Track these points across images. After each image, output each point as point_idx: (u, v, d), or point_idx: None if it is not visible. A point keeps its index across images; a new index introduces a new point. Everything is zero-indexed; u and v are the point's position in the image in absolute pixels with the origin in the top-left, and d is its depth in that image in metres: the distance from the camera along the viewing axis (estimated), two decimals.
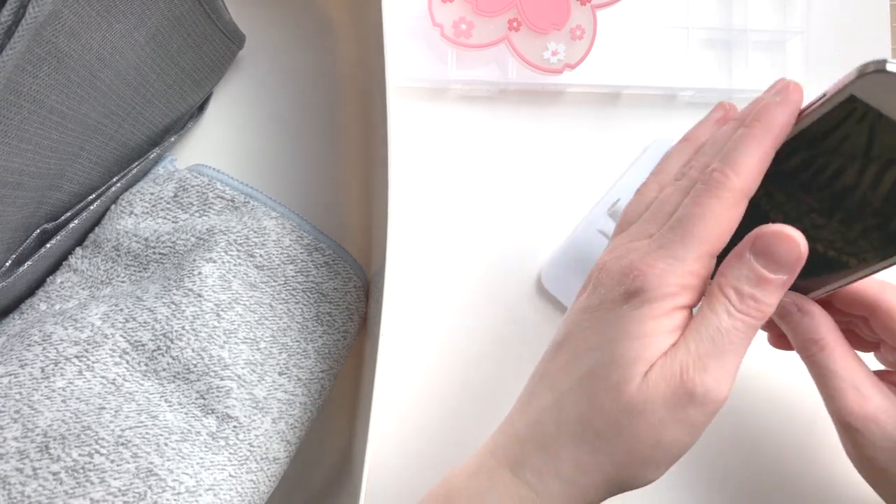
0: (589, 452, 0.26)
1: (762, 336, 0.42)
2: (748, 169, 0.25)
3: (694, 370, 0.25)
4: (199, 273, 0.35)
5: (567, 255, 0.43)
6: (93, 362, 0.33)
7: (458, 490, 0.29)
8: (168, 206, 0.38)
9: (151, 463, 0.31)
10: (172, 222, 0.38)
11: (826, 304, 0.31)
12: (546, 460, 0.27)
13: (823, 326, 0.29)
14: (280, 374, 0.35)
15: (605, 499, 0.28)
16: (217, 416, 0.34)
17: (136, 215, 0.38)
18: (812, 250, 0.26)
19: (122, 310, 0.34)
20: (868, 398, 0.29)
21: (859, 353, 0.31)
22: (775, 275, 0.25)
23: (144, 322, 0.34)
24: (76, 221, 0.36)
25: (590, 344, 0.27)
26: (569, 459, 0.27)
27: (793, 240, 0.25)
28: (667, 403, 0.25)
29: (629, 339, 0.26)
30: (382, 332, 0.32)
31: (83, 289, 0.36)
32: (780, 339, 0.34)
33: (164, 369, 0.34)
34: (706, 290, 0.27)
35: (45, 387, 0.32)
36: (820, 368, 0.30)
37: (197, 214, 0.38)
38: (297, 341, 0.36)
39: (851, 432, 0.30)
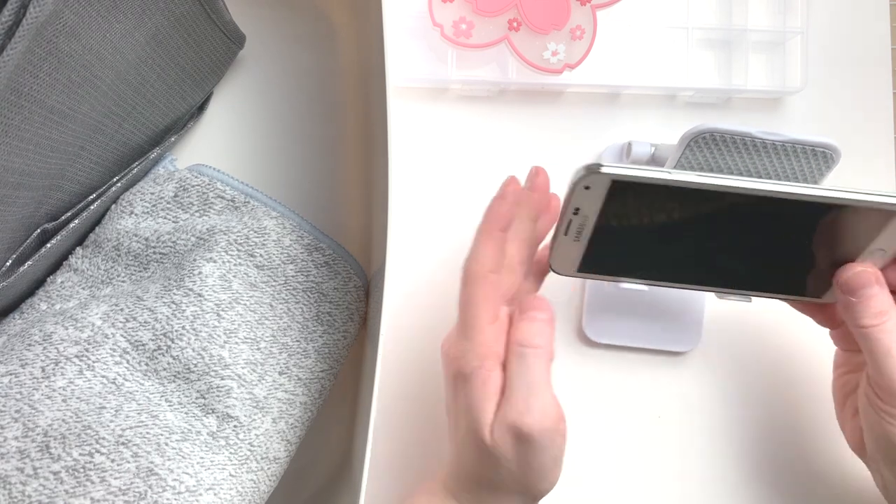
0: (493, 483, 0.33)
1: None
2: (483, 255, 0.34)
3: (517, 418, 0.31)
4: (200, 273, 0.35)
5: (595, 300, 0.44)
6: (93, 362, 0.33)
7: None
8: (168, 205, 0.38)
9: (152, 462, 0.31)
10: (173, 222, 0.38)
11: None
12: (475, 493, 0.34)
13: (889, 300, 0.34)
14: (280, 373, 0.36)
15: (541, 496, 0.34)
16: (217, 416, 0.34)
17: (136, 215, 0.38)
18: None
19: (122, 309, 0.34)
20: None
21: None
22: (541, 318, 0.33)
23: (145, 322, 0.34)
24: (76, 221, 0.36)
25: (454, 421, 0.35)
26: (487, 486, 0.34)
27: (543, 300, 0.34)
28: (516, 450, 0.32)
29: (470, 410, 0.33)
30: (382, 332, 0.32)
31: (83, 288, 0.36)
32: (844, 340, 0.38)
33: (164, 369, 0.34)
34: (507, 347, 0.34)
35: (46, 386, 0.32)
36: (878, 340, 0.34)
37: (197, 214, 0.38)
38: (298, 341, 0.36)
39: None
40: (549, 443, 0.32)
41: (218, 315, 0.34)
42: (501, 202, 0.35)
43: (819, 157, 0.33)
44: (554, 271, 0.36)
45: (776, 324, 0.45)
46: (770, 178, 0.33)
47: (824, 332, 0.39)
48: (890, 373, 0.33)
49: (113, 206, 0.38)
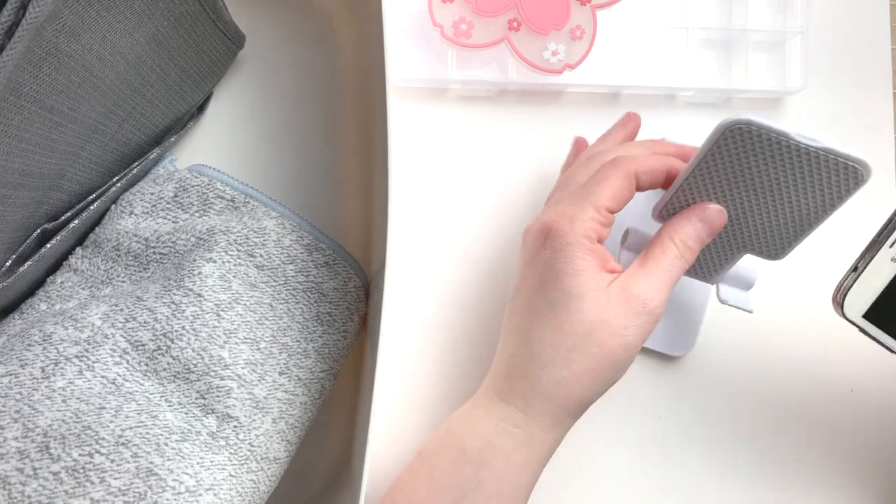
0: (565, 368, 0.33)
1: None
2: (636, 157, 0.35)
3: (650, 292, 0.33)
4: (200, 273, 0.35)
5: None
6: (93, 362, 0.33)
7: (458, 423, 0.35)
8: (168, 206, 0.38)
9: (151, 463, 0.31)
10: (172, 222, 0.38)
11: None
12: (529, 385, 0.33)
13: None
14: (280, 373, 0.36)
15: (582, 410, 0.34)
16: (217, 416, 0.34)
17: (136, 215, 0.38)
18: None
19: (122, 310, 0.34)
20: None
21: None
22: (707, 236, 0.34)
23: (145, 322, 0.34)
24: (76, 221, 0.36)
25: (533, 289, 0.34)
26: (548, 380, 0.33)
27: (723, 215, 0.34)
28: (626, 313, 0.32)
29: (572, 278, 0.33)
30: (382, 332, 0.32)
31: (83, 289, 0.36)
32: None
33: (164, 369, 0.34)
34: (654, 239, 0.35)
35: (46, 387, 0.32)
36: None
37: (197, 214, 0.38)
38: (298, 341, 0.36)
39: None
40: (650, 320, 0.33)
41: (218, 315, 0.34)
42: (631, 121, 0.39)
43: (850, 174, 0.31)
44: (845, 316, 0.32)
45: (776, 324, 0.45)
46: (794, 185, 0.32)
47: (823, 333, 0.39)
48: None
49: (113, 207, 0.38)
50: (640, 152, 0.36)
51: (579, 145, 0.42)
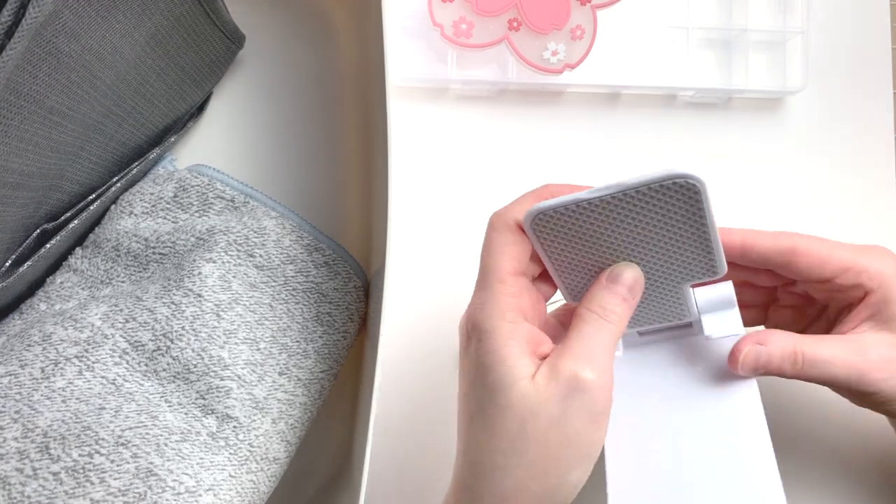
0: (506, 476, 0.28)
1: None
2: (516, 205, 0.31)
3: (578, 367, 0.28)
4: (199, 273, 0.35)
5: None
6: (93, 362, 0.33)
7: None
8: (168, 206, 0.38)
9: (151, 463, 0.31)
10: (172, 222, 0.38)
11: (742, 269, 0.34)
12: (473, 500, 0.29)
13: (785, 339, 0.32)
14: (280, 374, 0.35)
15: None
16: (217, 417, 0.34)
17: (136, 215, 0.38)
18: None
19: (122, 310, 0.34)
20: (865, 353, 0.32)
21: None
22: (628, 292, 0.31)
23: (144, 322, 0.34)
24: (76, 221, 0.36)
25: (464, 389, 0.31)
26: (491, 493, 0.29)
27: (634, 268, 0.31)
28: (558, 397, 0.28)
29: (494, 370, 0.29)
30: (382, 332, 0.32)
31: (83, 289, 0.36)
32: None
33: (164, 369, 0.34)
34: (572, 312, 0.31)
35: (45, 387, 0.32)
36: (814, 371, 0.32)
37: (197, 214, 0.38)
38: (297, 341, 0.36)
39: (867, 399, 0.33)
40: (597, 405, 0.28)
41: (217, 315, 0.34)
42: (561, 185, 0.32)
43: (683, 191, 0.28)
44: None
45: None
46: (648, 223, 0.29)
47: None
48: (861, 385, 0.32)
49: (112, 207, 0.38)
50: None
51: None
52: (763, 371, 0.32)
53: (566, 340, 0.30)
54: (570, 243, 0.31)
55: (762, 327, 0.37)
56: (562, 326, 0.35)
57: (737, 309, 0.33)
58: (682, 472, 0.32)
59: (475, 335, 0.30)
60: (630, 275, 0.31)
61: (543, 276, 0.33)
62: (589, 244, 0.31)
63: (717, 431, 0.32)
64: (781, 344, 0.32)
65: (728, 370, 0.33)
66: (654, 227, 0.30)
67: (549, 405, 0.28)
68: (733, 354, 0.32)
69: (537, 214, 0.30)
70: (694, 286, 0.33)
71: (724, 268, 0.31)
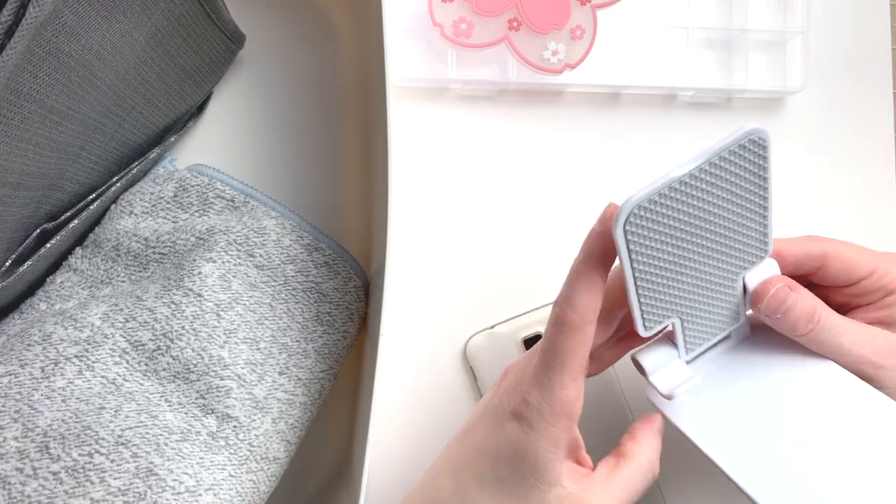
0: None
1: None
2: (581, 302, 0.29)
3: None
4: (199, 273, 0.35)
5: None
6: (93, 362, 0.33)
7: None
8: (168, 205, 0.38)
9: (151, 463, 0.31)
10: (172, 222, 0.38)
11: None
12: None
13: (809, 298, 0.32)
14: (280, 373, 0.35)
15: None
16: (217, 416, 0.34)
17: (136, 215, 0.38)
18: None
19: (122, 310, 0.34)
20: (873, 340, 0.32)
21: None
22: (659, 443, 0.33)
23: (144, 322, 0.34)
24: (76, 221, 0.36)
25: (488, 451, 0.31)
26: None
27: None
28: None
29: (532, 466, 0.30)
30: (382, 332, 0.32)
31: (83, 289, 0.36)
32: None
33: (164, 369, 0.34)
34: (624, 449, 0.32)
35: (45, 386, 0.32)
36: (825, 335, 0.32)
37: (197, 214, 0.38)
38: (297, 341, 0.36)
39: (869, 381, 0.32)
40: None
41: (217, 315, 0.34)
42: (600, 233, 0.29)
43: (755, 148, 0.28)
44: None
45: None
46: (725, 197, 0.29)
47: None
48: (853, 366, 0.32)
49: (112, 207, 0.38)
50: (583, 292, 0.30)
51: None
52: (779, 317, 0.32)
53: (612, 471, 0.31)
54: (659, 244, 0.28)
55: None
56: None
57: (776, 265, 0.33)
58: (818, 464, 0.30)
59: (521, 420, 0.30)
60: (660, 421, 0.33)
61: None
62: (677, 238, 0.28)
63: (820, 398, 0.32)
64: (807, 296, 0.32)
65: (797, 356, 0.33)
66: (731, 201, 0.29)
67: None
68: (763, 288, 0.32)
69: (633, 210, 0.26)
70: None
71: (772, 245, 0.31)
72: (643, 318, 0.30)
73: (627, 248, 0.28)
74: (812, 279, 0.34)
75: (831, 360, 0.32)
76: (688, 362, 0.33)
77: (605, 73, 0.45)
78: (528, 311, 0.43)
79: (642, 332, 0.31)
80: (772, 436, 0.31)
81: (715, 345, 0.34)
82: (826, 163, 0.47)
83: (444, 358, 0.43)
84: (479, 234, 0.44)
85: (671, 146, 0.46)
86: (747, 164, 0.28)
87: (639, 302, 0.30)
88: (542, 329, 0.43)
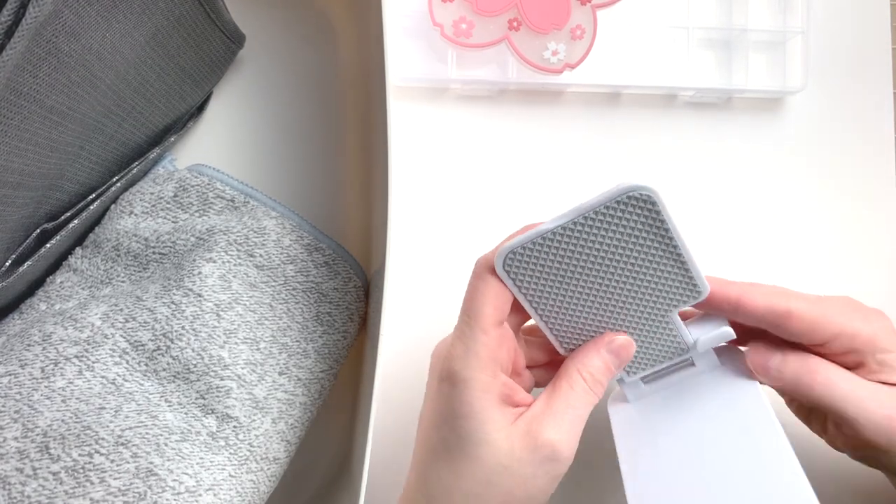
0: None
1: None
2: (496, 250, 0.31)
3: (556, 438, 0.29)
4: (199, 273, 0.35)
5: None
6: (93, 362, 0.33)
7: None
8: (168, 205, 0.38)
9: (151, 463, 0.31)
10: (172, 222, 0.38)
11: (739, 326, 0.33)
12: None
13: (814, 359, 0.32)
14: (280, 374, 0.35)
15: None
16: (217, 416, 0.34)
17: (136, 215, 0.38)
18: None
19: (122, 310, 0.34)
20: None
21: None
22: (616, 367, 0.32)
23: (144, 322, 0.34)
24: (76, 221, 0.36)
25: (432, 423, 0.31)
26: None
27: (632, 346, 0.32)
28: (532, 462, 0.29)
29: (467, 420, 0.30)
30: (382, 332, 0.32)
31: (83, 289, 0.36)
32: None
33: (164, 369, 0.34)
34: (559, 371, 0.32)
35: (45, 387, 0.32)
36: (824, 391, 0.32)
37: (197, 214, 0.38)
38: (297, 341, 0.36)
39: (846, 423, 0.32)
40: (559, 470, 0.30)
41: (217, 315, 0.34)
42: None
43: (641, 204, 0.28)
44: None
45: None
46: (616, 244, 0.29)
47: None
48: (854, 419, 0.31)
49: (112, 207, 0.38)
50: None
51: None
52: (777, 382, 0.32)
53: (552, 399, 0.31)
54: (547, 282, 0.30)
55: None
56: (533, 345, 0.35)
57: (727, 323, 0.33)
58: (704, 487, 0.31)
59: (450, 380, 0.30)
60: (628, 354, 0.32)
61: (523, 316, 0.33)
62: (566, 280, 0.30)
63: (734, 445, 0.32)
64: (803, 362, 0.32)
65: (732, 396, 0.33)
66: (624, 249, 0.29)
67: (521, 466, 0.29)
68: (760, 363, 0.32)
69: (507, 255, 0.30)
70: (683, 316, 0.33)
71: (707, 287, 0.31)
72: (559, 341, 0.33)
73: (513, 283, 0.30)
74: (776, 333, 0.33)
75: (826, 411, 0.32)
76: (645, 382, 0.35)
77: (605, 73, 0.45)
78: None
79: (561, 352, 0.33)
80: (675, 466, 0.32)
81: (666, 372, 0.34)
82: (826, 163, 0.47)
83: None
84: (479, 234, 0.44)
85: (671, 146, 0.46)
86: (635, 216, 0.28)
87: (547, 326, 0.32)
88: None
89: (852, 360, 0.32)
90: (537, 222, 0.31)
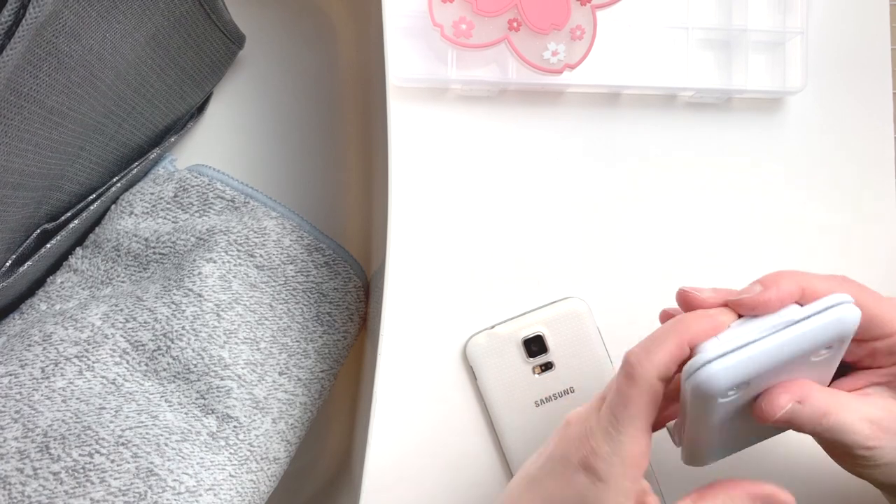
0: None
1: None
2: (660, 358, 0.30)
3: None
4: (200, 273, 0.35)
5: None
6: (93, 362, 0.33)
7: None
8: (168, 206, 0.38)
9: (152, 463, 0.31)
10: (172, 222, 0.38)
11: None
12: None
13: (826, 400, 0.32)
14: (280, 374, 0.35)
15: None
16: (217, 416, 0.34)
17: (136, 215, 0.38)
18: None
19: (122, 310, 0.34)
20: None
21: None
22: None
23: (145, 322, 0.34)
24: (76, 221, 0.36)
25: (556, 500, 0.31)
26: None
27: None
28: None
29: None
30: (382, 332, 0.32)
31: (83, 289, 0.36)
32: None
33: (164, 369, 0.34)
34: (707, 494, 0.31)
35: (46, 387, 0.32)
36: (836, 428, 0.31)
37: (197, 214, 0.38)
38: (298, 341, 0.36)
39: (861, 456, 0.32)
40: None
41: (218, 315, 0.34)
42: (704, 311, 0.31)
43: (843, 316, 0.28)
44: None
45: None
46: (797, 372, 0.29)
47: None
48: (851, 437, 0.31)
49: (113, 207, 0.38)
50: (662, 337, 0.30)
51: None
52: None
53: None
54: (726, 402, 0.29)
55: None
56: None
57: None
58: None
59: (591, 475, 0.30)
60: (782, 498, 0.31)
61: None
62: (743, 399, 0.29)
63: None
64: (818, 404, 0.31)
65: None
66: (806, 362, 0.29)
67: None
68: (773, 405, 0.32)
69: (709, 376, 0.27)
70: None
71: None
72: (689, 453, 0.33)
73: (693, 400, 0.29)
74: None
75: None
76: None
77: (605, 74, 0.45)
78: (529, 312, 0.43)
79: (686, 462, 0.34)
80: None
81: None
82: (826, 163, 0.47)
83: (444, 358, 0.43)
84: (478, 235, 0.44)
85: (671, 146, 0.46)
86: (831, 331, 0.29)
87: (691, 439, 0.32)
88: (542, 329, 0.43)
89: (889, 361, 0.32)
90: (700, 310, 0.31)
